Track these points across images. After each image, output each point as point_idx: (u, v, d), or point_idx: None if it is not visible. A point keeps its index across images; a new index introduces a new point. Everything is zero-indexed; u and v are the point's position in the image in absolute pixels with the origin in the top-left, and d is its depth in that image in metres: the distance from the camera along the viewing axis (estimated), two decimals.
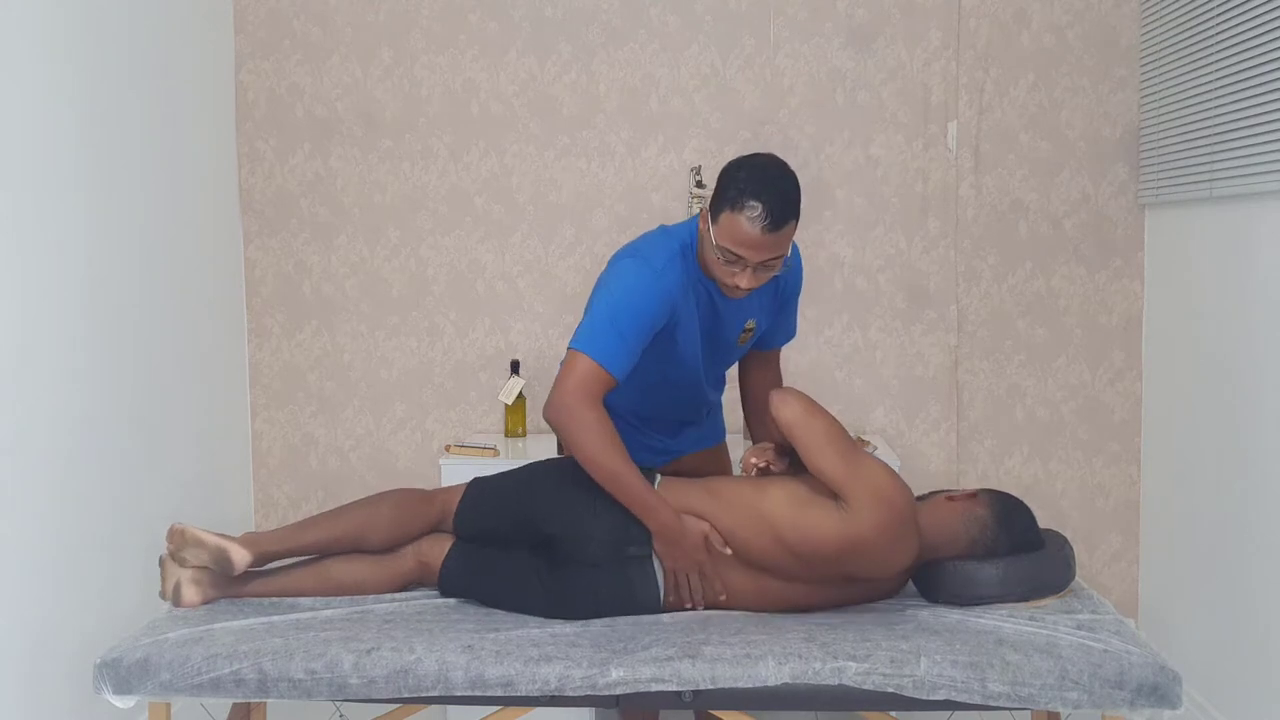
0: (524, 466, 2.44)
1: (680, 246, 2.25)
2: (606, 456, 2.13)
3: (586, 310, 2.22)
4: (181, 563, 2.22)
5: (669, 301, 2.19)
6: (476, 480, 2.39)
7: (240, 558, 2.20)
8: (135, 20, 2.86)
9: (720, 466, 2.63)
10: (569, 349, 2.18)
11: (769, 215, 2.07)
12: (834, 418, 2.21)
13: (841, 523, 2.10)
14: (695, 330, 2.29)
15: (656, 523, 2.16)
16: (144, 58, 2.91)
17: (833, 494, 2.14)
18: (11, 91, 2.33)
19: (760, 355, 2.54)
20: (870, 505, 2.10)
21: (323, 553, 2.31)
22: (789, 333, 2.53)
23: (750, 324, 2.36)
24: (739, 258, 2.12)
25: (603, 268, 3.58)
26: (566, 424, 2.13)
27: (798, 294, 2.48)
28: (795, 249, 2.41)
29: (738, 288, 2.15)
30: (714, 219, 2.14)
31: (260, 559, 2.25)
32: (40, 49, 2.43)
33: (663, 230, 2.32)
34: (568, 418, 2.13)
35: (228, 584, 2.27)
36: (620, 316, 2.14)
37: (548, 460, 2.43)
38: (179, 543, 2.22)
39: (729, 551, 2.19)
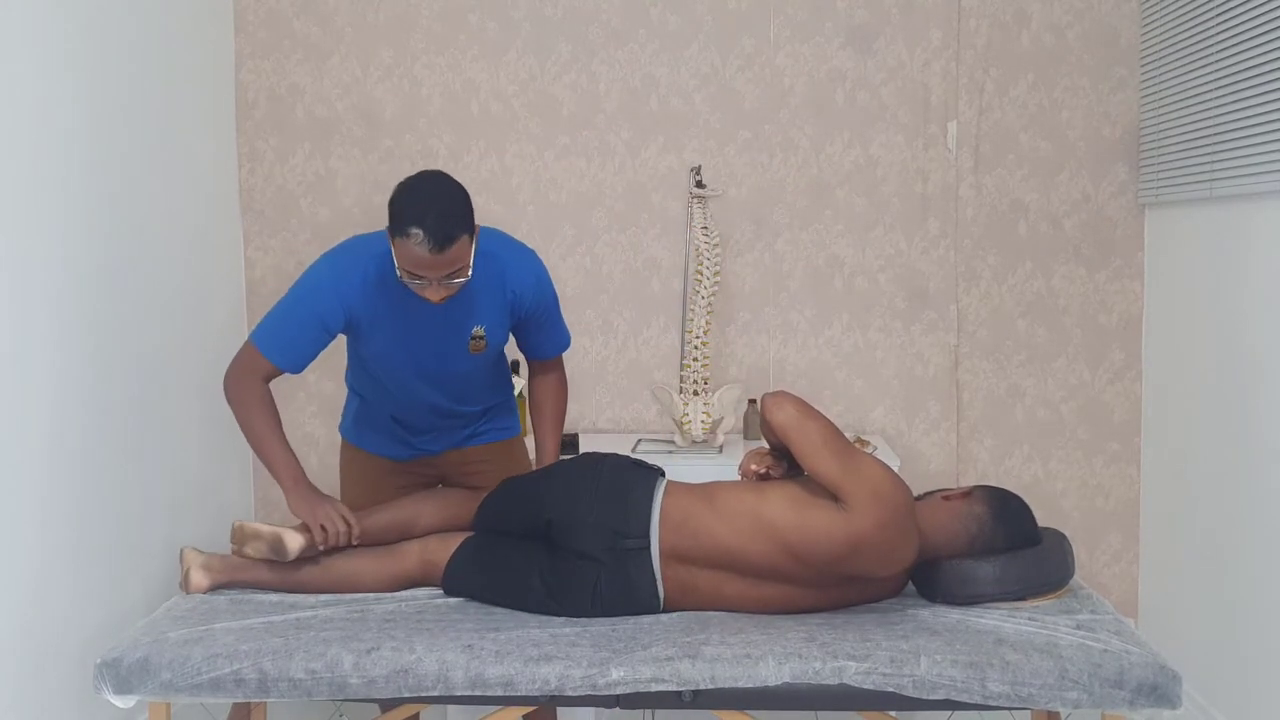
0: (549, 465, 2.53)
1: (379, 253, 2.29)
2: (247, 428, 2.34)
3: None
4: (244, 556, 2.37)
5: (340, 302, 2.27)
6: (507, 479, 2.47)
7: (294, 542, 2.33)
8: (136, 20, 2.86)
9: (515, 461, 2.65)
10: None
11: (431, 239, 2.11)
12: (828, 419, 2.21)
13: (843, 523, 2.11)
14: (396, 334, 2.32)
15: (285, 480, 2.34)
16: (144, 57, 2.91)
17: (832, 495, 2.14)
18: (12, 91, 2.33)
19: (539, 363, 2.60)
20: (870, 504, 2.10)
21: (375, 539, 2.40)
22: (560, 343, 2.57)
23: (479, 330, 2.37)
24: (419, 277, 2.17)
25: (602, 267, 3.60)
26: (230, 403, 2.36)
27: (551, 309, 2.48)
28: (538, 269, 2.42)
29: (430, 299, 2.20)
30: (392, 240, 2.17)
31: (312, 545, 2.34)
32: (41, 49, 2.43)
33: (367, 237, 2.37)
34: (230, 397, 2.35)
35: (234, 571, 2.37)
36: (288, 309, 2.30)
37: (567, 458, 2.49)
38: (240, 539, 2.37)
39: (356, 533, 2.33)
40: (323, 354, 3.56)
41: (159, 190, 2.97)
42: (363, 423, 2.58)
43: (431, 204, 2.13)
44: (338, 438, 3.58)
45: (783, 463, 2.33)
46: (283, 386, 3.57)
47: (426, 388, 2.43)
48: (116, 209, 2.74)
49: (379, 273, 2.28)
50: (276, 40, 3.50)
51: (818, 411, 2.22)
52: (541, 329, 2.49)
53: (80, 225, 2.58)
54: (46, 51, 2.46)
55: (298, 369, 2.33)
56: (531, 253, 2.44)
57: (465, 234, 2.15)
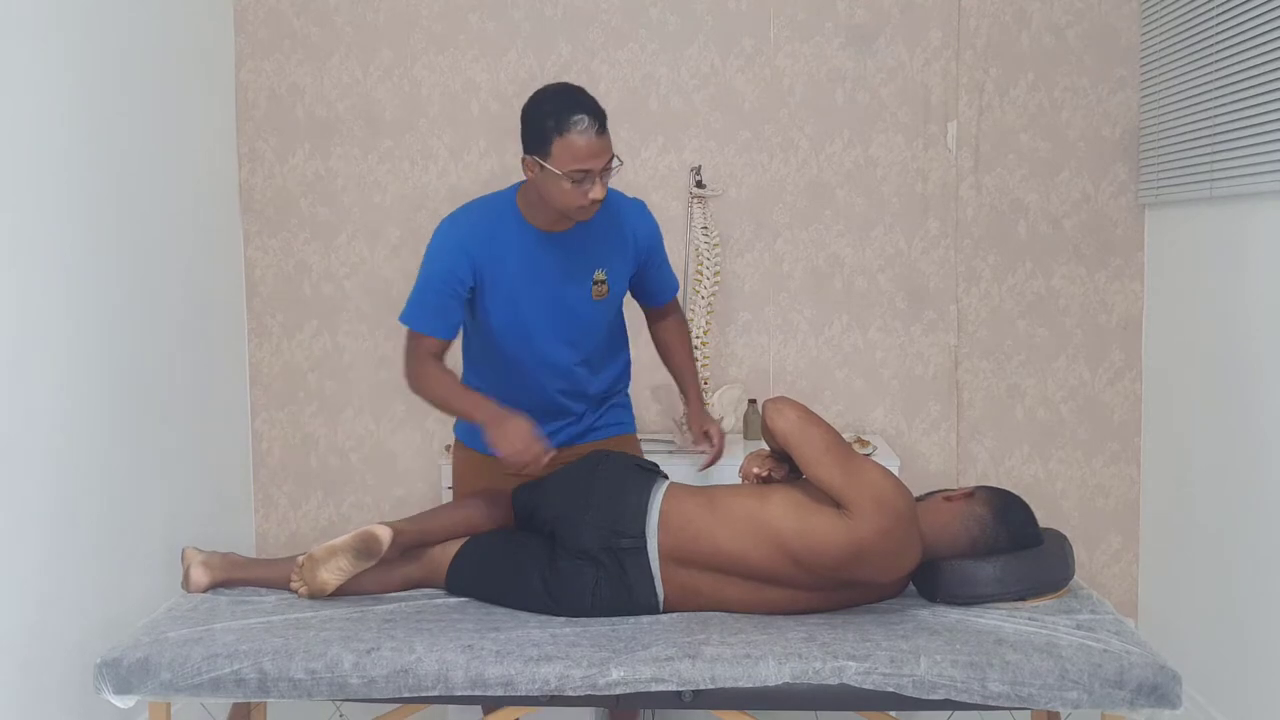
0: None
1: (493, 205, 2.38)
2: (437, 396, 2.36)
3: None
4: (324, 586, 2.30)
5: (466, 256, 2.32)
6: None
7: (384, 534, 2.29)
8: (136, 20, 2.86)
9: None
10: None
11: (595, 119, 2.20)
12: (829, 425, 2.21)
13: (845, 529, 2.10)
14: (520, 283, 2.35)
15: (481, 415, 2.30)
16: (145, 58, 2.91)
17: (834, 500, 2.14)
18: (12, 91, 2.33)
19: (657, 311, 2.66)
20: (872, 511, 2.10)
21: (441, 538, 2.39)
22: (672, 285, 2.64)
23: (600, 275, 2.41)
24: (586, 172, 2.21)
25: None
26: (414, 393, 2.39)
27: (662, 251, 2.56)
28: (649, 213, 2.51)
29: (594, 201, 2.24)
30: (545, 154, 2.21)
31: (397, 537, 2.32)
32: (41, 49, 2.43)
33: (473, 200, 2.45)
34: (412, 388, 2.39)
35: (234, 569, 2.37)
36: (423, 282, 2.36)
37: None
38: (311, 568, 2.30)
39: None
40: (320, 353, 3.58)
41: (159, 190, 2.97)
42: None
43: (580, 93, 2.24)
44: (338, 438, 3.61)
45: (784, 465, 2.33)
46: (283, 386, 3.58)
47: (551, 342, 2.42)
48: (116, 209, 2.74)
49: (496, 223, 2.35)
50: (276, 40, 3.50)
51: (819, 418, 2.21)
52: (657, 271, 2.56)
53: (80, 225, 2.58)
54: (46, 51, 2.46)
55: (454, 334, 2.38)
56: (638, 199, 2.52)
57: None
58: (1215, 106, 2.91)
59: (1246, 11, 2.74)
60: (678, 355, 2.67)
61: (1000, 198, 3.46)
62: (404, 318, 2.38)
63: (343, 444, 3.60)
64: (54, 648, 2.44)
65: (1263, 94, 2.67)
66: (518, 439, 2.25)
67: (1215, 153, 2.91)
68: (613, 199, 2.39)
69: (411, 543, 2.34)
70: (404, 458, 3.59)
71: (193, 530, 3.04)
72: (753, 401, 3.38)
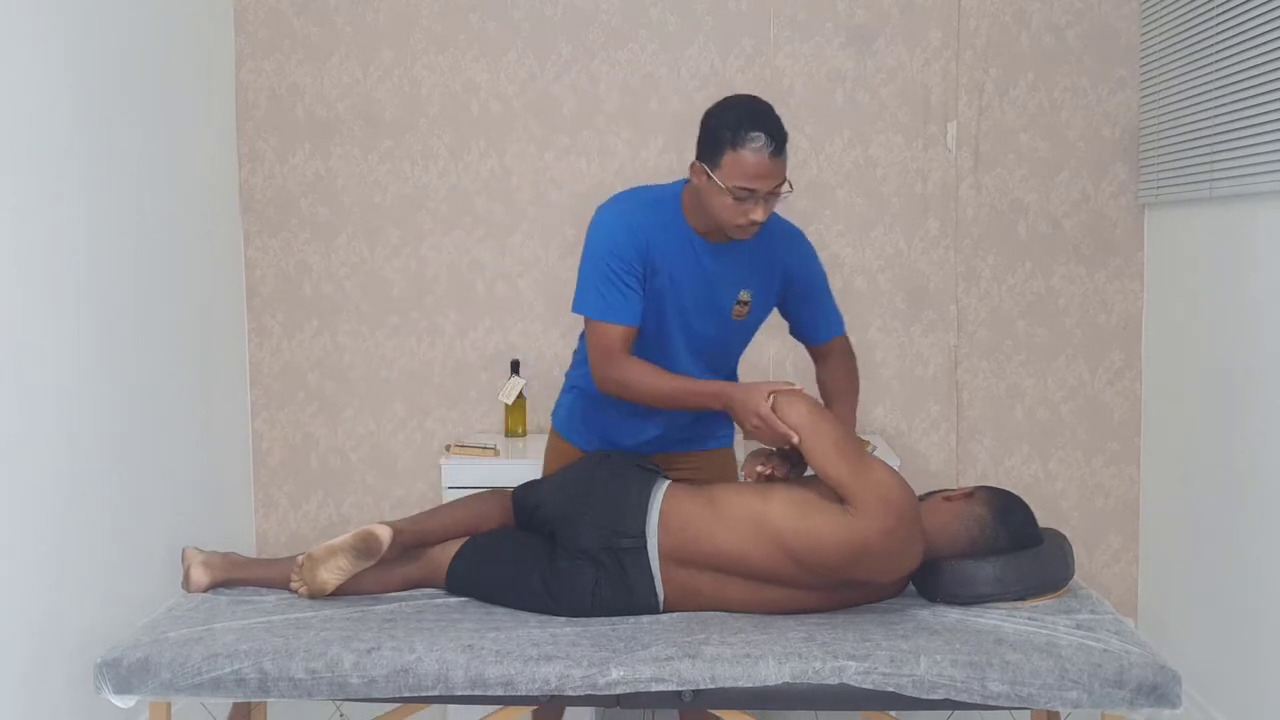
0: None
1: (658, 197, 2.31)
2: (652, 391, 2.25)
3: (579, 272, 2.33)
4: (324, 585, 2.29)
5: (637, 244, 2.24)
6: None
7: (383, 533, 2.27)
8: (135, 20, 2.86)
9: (724, 473, 2.59)
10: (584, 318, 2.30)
11: (773, 140, 2.13)
12: (841, 421, 2.21)
13: (848, 528, 2.10)
14: (671, 282, 2.29)
15: (719, 401, 2.21)
16: (144, 58, 2.91)
17: (837, 499, 2.14)
18: (11, 91, 2.33)
19: (818, 350, 2.55)
20: (877, 510, 2.09)
21: (441, 538, 2.38)
22: (832, 324, 2.50)
23: (744, 295, 2.35)
24: (751, 191, 2.15)
25: None
26: (611, 393, 2.28)
27: (820, 283, 2.46)
28: (806, 242, 2.44)
29: (753, 223, 2.19)
30: (714, 164, 2.16)
31: (396, 536, 2.30)
32: (40, 48, 2.43)
33: (632, 190, 2.38)
34: (610, 387, 2.28)
35: (234, 568, 2.37)
36: (602, 272, 2.24)
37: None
38: (311, 567, 2.29)
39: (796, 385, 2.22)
40: (320, 353, 3.58)
41: (159, 190, 2.97)
42: (578, 417, 2.52)
43: (764, 113, 2.17)
44: (338, 438, 3.61)
45: (787, 464, 2.33)
46: (283, 386, 3.58)
47: (682, 349, 2.37)
48: (116, 209, 2.74)
49: (664, 214, 2.29)
50: (276, 40, 3.50)
51: (830, 413, 2.21)
52: (811, 304, 2.45)
53: (80, 225, 2.58)
54: (46, 51, 2.46)
55: (639, 321, 2.27)
56: (797, 228, 2.45)
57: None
58: (1215, 106, 2.91)
59: (1246, 11, 2.74)
60: (835, 406, 2.47)
61: (1000, 198, 3.46)
62: (582, 308, 2.26)
63: (343, 444, 3.60)
64: (54, 648, 2.44)
65: (1263, 94, 2.67)
66: (749, 411, 2.17)
67: (1215, 153, 2.91)
68: (773, 223, 2.33)
69: (411, 542, 2.34)
70: (404, 458, 3.59)
71: (193, 530, 3.04)
72: None
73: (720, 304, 2.35)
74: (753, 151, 2.12)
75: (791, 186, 2.21)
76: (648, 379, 2.25)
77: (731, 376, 2.52)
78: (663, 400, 2.27)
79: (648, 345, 2.33)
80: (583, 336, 2.42)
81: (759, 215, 2.18)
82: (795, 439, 2.16)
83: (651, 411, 2.39)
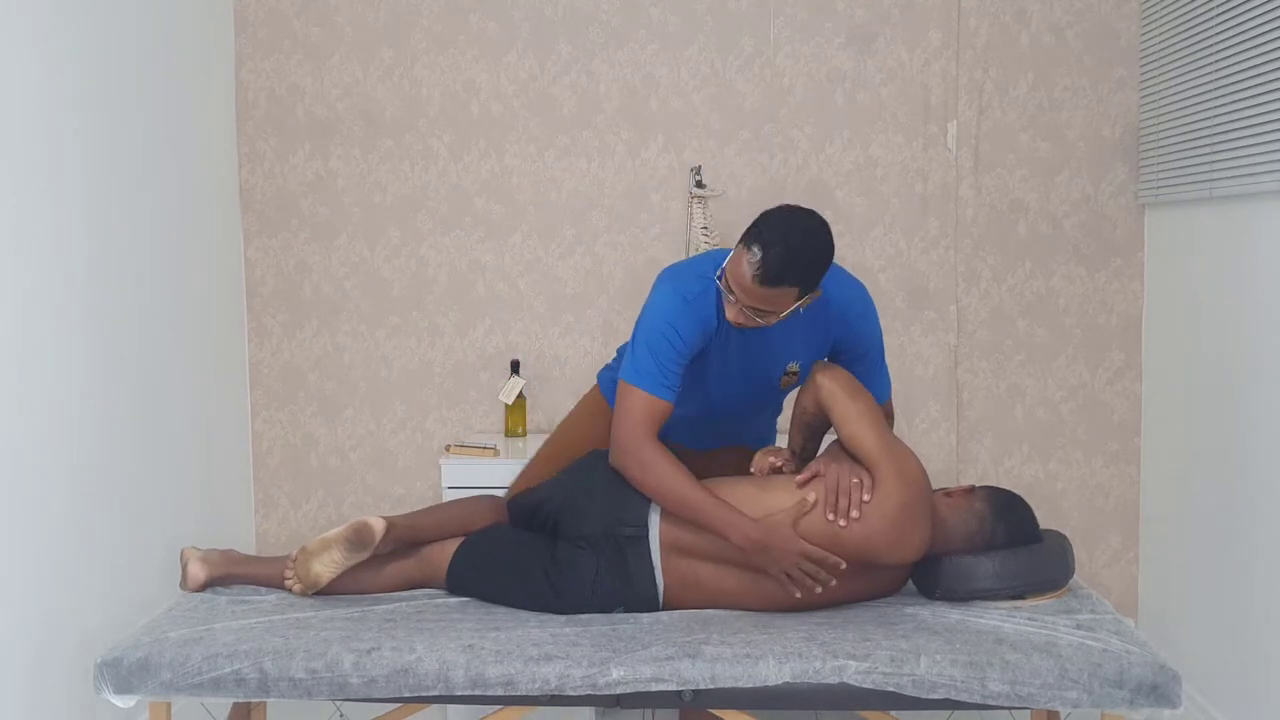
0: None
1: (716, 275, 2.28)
2: (670, 489, 2.19)
3: (633, 334, 2.29)
4: (318, 581, 2.28)
5: (702, 325, 2.24)
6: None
7: (377, 525, 2.26)
8: (136, 20, 2.86)
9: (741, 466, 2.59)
10: (619, 380, 2.26)
11: (762, 266, 2.10)
12: (875, 400, 2.26)
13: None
14: (720, 359, 2.30)
15: (738, 536, 2.16)
16: (145, 58, 2.91)
17: (860, 462, 2.18)
18: (12, 91, 2.33)
19: None
20: (895, 482, 2.14)
21: (435, 535, 2.38)
22: (879, 392, 2.39)
23: (793, 366, 2.36)
24: (731, 292, 2.17)
25: (602, 267, 3.60)
26: (628, 467, 2.22)
27: (872, 349, 2.39)
28: (864, 306, 2.36)
29: (734, 321, 2.21)
30: (735, 248, 2.18)
31: (390, 529, 2.30)
32: (41, 48, 2.43)
33: (711, 255, 2.35)
34: (629, 461, 2.22)
35: (232, 565, 2.38)
36: (659, 346, 2.21)
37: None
38: (304, 561, 2.29)
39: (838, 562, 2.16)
40: (320, 353, 3.58)
41: (159, 190, 2.97)
42: None
43: (787, 238, 2.10)
44: (338, 438, 3.61)
45: (795, 460, 2.35)
46: (283, 386, 3.58)
47: (726, 405, 2.39)
48: (116, 208, 2.74)
49: (720, 295, 2.25)
50: (276, 40, 3.50)
51: (867, 390, 2.25)
52: (857, 369, 2.32)
53: (80, 225, 2.58)
54: (47, 51, 2.46)
55: (675, 403, 2.24)
56: (861, 286, 2.37)
57: (795, 287, 2.12)
58: (1215, 106, 2.91)
59: (1246, 11, 2.74)
60: None
61: (1000, 198, 3.46)
62: (634, 378, 2.21)
63: (343, 444, 3.60)
64: (54, 647, 2.44)
65: (1263, 94, 2.67)
66: (790, 556, 2.13)
67: (1215, 153, 2.91)
68: (830, 293, 2.26)
69: (405, 537, 2.34)
70: (404, 458, 3.59)
71: (193, 530, 3.04)
72: None
73: (770, 372, 2.37)
74: (749, 264, 2.11)
75: (780, 318, 2.16)
76: (670, 477, 2.18)
77: (767, 414, 2.54)
78: (679, 506, 2.19)
79: (694, 389, 2.33)
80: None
81: (729, 314, 2.19)
82: (844, 565, 2.14)
83: (703, 418, 2.40)
